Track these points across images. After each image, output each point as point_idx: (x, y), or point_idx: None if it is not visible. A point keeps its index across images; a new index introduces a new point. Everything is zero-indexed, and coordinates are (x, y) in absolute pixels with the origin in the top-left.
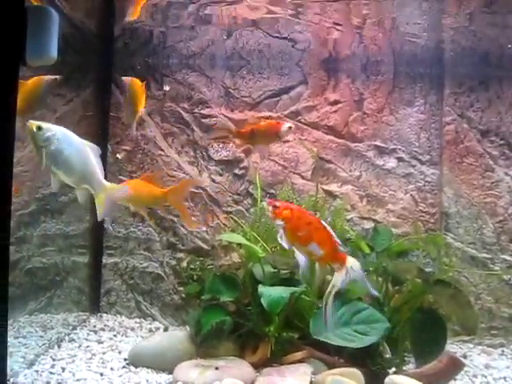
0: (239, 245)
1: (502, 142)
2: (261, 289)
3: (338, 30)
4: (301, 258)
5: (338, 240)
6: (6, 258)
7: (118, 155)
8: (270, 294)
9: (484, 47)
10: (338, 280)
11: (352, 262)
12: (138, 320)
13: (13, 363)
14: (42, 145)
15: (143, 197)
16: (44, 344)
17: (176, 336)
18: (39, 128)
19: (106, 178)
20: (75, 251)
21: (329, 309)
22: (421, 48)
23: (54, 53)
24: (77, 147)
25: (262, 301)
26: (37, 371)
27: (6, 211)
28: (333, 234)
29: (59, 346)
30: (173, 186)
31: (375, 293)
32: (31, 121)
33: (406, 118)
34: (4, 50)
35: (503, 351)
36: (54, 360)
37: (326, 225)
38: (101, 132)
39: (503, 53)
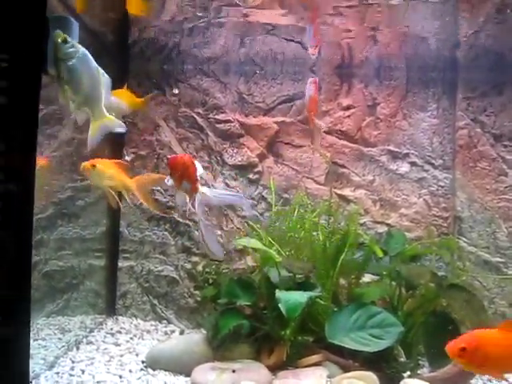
0: (254, 249)
1: None
2: (278, 294)
3: (350, 35)
4: (179, 196)
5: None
6: (29, 264)
7: (126, 157)
8: (288, 299)
9: (497, 52)
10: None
11: (204, 189)
12: (153, 323)
13: (34, 365)
14: (62, 57)
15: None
16: (63, 346)
17: (193, 339)
18: (65, 40)
19: None
20: (92, 254)
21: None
22: (434, 53)
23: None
24: (92, 70)
25: (280, 306)
26: (57, 373)
27: (28, 222)
28: (197, 170)
29: (78, 348)
30: (139, 176)
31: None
32: (58, 31)
33: (419, 123)
34: (26, 58)
35: None
36: (73, 362)
37: (195, 163)
38: (117, 137)
39: None
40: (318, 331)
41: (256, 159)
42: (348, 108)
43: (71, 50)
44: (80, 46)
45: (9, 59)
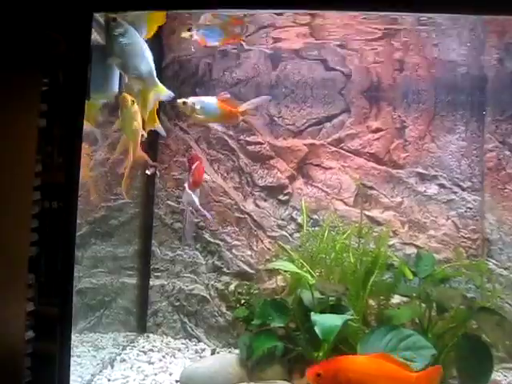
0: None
1: None
2: (314, 316)
3: (379, 59)
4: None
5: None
6: (71, 281)
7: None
8: (324, 321)
9: None
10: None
11: None
12: (183, 341)
13: (72, 382)
14: (114, 34)
15: None
16: (98, 364)
17: (227, 359)
18: (114, 20)
19: (154, 202)
20: (124, 273)
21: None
22: (462, 76)
23: (115, 87)
24: (140, 44)
25: (316, 329)
26: None
27: (70, 240)
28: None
29: (112, 366)
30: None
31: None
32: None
33: (448, 145)
34: (69, 85)
35: None
36: (109, 380)
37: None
38: (150, 158)
39: None
40: (349, 353)
41: (286, 181)
42: (377, 131)
43: (120, 29)
44: (127, 24)
45: (53, 84)
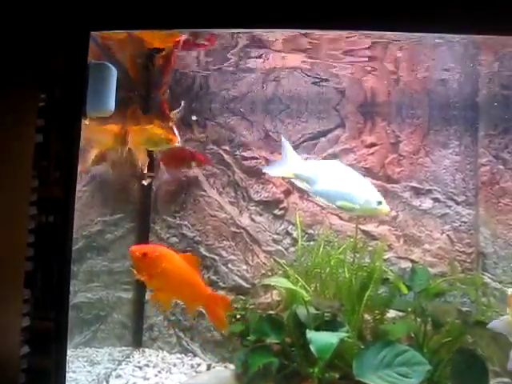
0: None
1: None
2: (309, 334)
3: (373, 74)
4: None
5: None
6: (67, 295)
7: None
8: (319, 339)
9: None
10: None
11: None
12: (179, 355)
13: None
14: None
15: None
16: (93, 379)
17: (223, 375)
18: None
19: (149, 216)
20: (120, 287)
21: None
22: (455, 91)
23: (111, 106)
24: None
25: (312, 347)
26: None
27: (66, 254)
28: None
29: (107, 382)
30: None
31: None
32: None
33: (442, 160)
34: (67, 103)
35: None
36: None
37: None
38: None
39: None
40: (344, 368)
41: (281, 195)
42: (371, 145)
43: None
44: None
45: (47, 100)
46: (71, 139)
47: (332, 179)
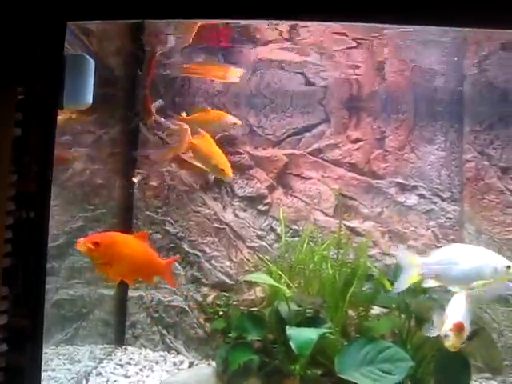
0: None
1: None
2: (289, 331)
3: (358, 69)
4: None
5: None
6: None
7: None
8: (299, 335)
9: (503, 85)
10: None
11: None
12: (162, 353)
13: None
14: None
15: None
16: (73, 378)
17: (204, 372)
18: None
19: (132, 213)
20: (101, 284)
21: None
22: (440, 87)
23: (89, 98)
24: None
25: (291, 343)
26: None
27: (42, 250)
28: None
29: (87, 380)
30: None
31: None
32: None
33: (427, 156)
34: (42, 94)
35: None
36: None
37: None
38: (128, 168)
39: None
40: (327, 365)
41: (265, 191)
42: (357, 141)
43: None
44: None
45: (24, 93)
46: (47, 132)
47: (457, 263)
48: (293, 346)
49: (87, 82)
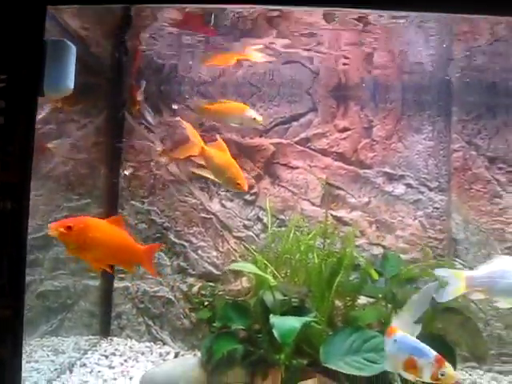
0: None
1: (509, 168)
2: (272, 319)
3: (346, 58)
4: None
5: None
6: (22, 285)
7: (125, 171)
8: (282, 324)
9: (491, 75)
10: None
11: None
12: (148, 344)
13: None
14: None
15: None
16: (56, 369)
17: (189, 363)
18: None
19: (117, 202)
20: (87, 275)
21: None
22: (429, 76)
23: (70, 84)
24: None
25: (275, 331)
26: None
27: (22, 241)
28: None
29: (71, 371)
30: None
31: None
32: None
33: (415, 145)
34: (23, 81)
35: None
36: None
37: None
38: (113, 157)
39: (509, 81)
40: (313, 354)
41: (252, 180)
42: (344, 130)
43: None
44: None
45: (6, 80)
46: (27, 120)
47: (505, 276)
48: (276, 335)
49: (68, 69)
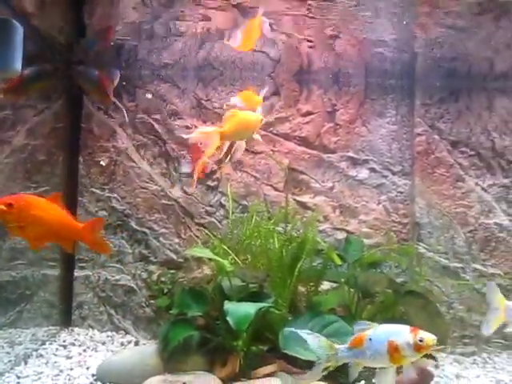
0: (210, 258)
1: (472, 152)
2: (227, 305)
3: (309, 41)
4: None
5: None
6: None
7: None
8: (237, 310)
9: (453, 59)
10: None
11: None
12: (110, 333)
13: None
14: None
15: None
16: (10, 361)
17: (146, 351)
18: None
19: (77, 190)
20: (45, 264)
21: None
22: (392, 60)
23: (18, 66)
24: None
25: (228, 318)
26: None
27: None
28: None
29: (26, 363)
30: None
31: None
32: None
33: (378, 129)
34: None
35: (475, 360)
36: (19, 378)
37: None
38: (72, 143)
39: (472, 65)
40: (274, 340)
41: (214, 166)
42: (307, 114)
43: None
44: None
45: None
46: None
47: None
48: (230, 322)
49: (15, 49)
